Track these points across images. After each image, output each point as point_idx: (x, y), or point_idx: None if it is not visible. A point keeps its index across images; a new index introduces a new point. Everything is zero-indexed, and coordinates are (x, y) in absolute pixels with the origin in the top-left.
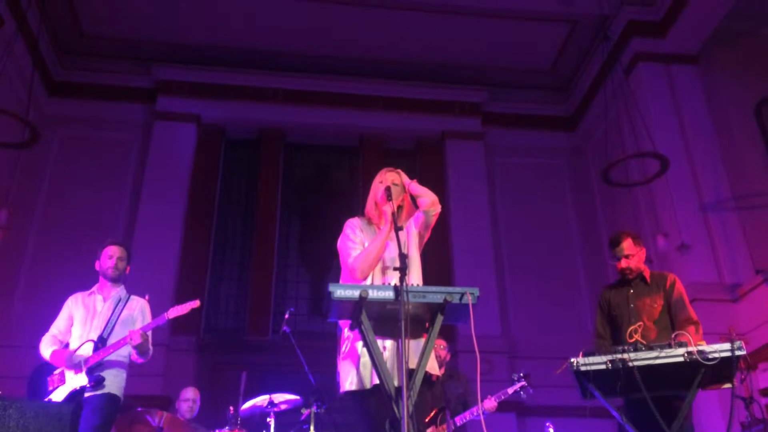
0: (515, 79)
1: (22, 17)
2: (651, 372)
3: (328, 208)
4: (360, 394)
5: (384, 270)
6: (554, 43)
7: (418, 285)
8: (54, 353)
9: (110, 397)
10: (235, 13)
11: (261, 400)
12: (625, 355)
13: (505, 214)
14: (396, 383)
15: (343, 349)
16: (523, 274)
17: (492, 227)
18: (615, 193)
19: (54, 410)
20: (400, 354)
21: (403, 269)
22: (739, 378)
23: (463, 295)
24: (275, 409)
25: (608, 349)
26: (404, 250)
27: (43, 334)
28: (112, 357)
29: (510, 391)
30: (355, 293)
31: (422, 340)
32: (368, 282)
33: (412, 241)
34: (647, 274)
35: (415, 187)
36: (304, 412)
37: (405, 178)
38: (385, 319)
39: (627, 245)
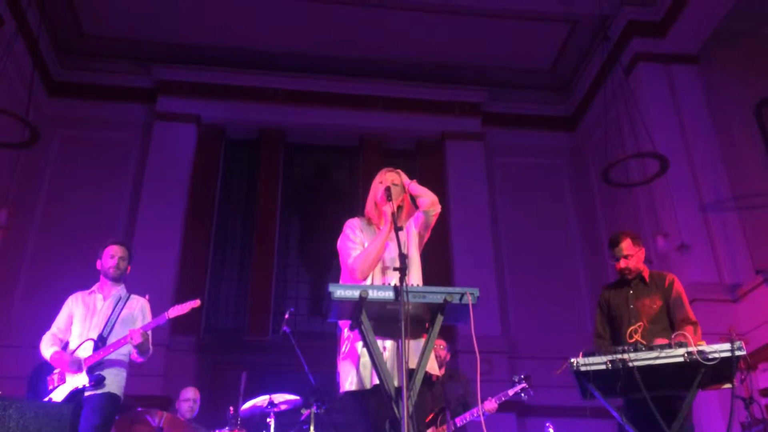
0: (515, 79)
1: (22, 17)
2: (651, 372)
3: (328, 208)
4: (360, 395)
5: (384, 270)
6: (554, 43)
7: (418, 285)
8: (54, 355)
9: (110, 396)
10: (235, 13)
11: (261, 400)
12: (625, 356)
13: (505, 214)
14: (396, 383)
15: (343, 349)
16: (523, 274)
17: (492, 227)
18: (615, 193)
19: (54, 410)
20: (400, 354)
21: (403, 269)
22: (739, 378)
23: (463, 295)
24: (275, 410)
25: (608, 350)
26: (404, 251)
27: (43, 334)
28: (113, 356)
29: (510, 392)
30: (355, 293)
31: (422, 341)
32: (368, 282)
33: (412, 242)
34: (646, 274)
35: (415, 187)
36: (304, 412)
37: (405, 178)
38: (385, 319)
39: (626, 245)
